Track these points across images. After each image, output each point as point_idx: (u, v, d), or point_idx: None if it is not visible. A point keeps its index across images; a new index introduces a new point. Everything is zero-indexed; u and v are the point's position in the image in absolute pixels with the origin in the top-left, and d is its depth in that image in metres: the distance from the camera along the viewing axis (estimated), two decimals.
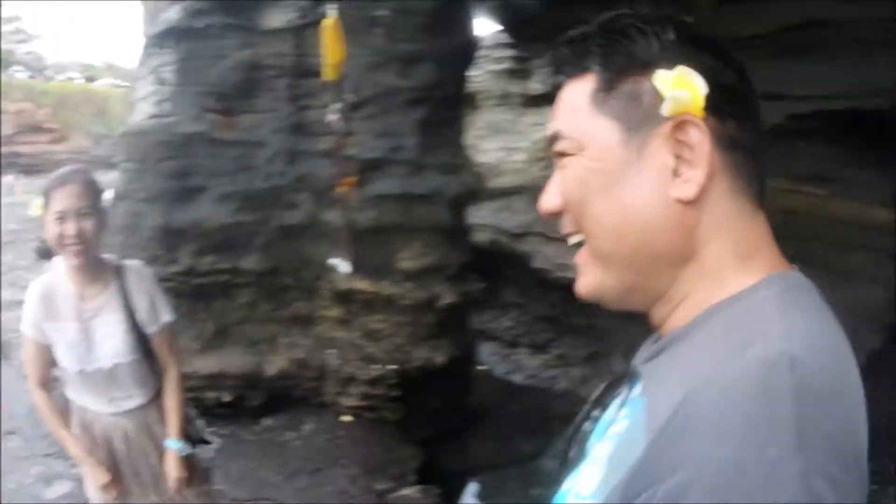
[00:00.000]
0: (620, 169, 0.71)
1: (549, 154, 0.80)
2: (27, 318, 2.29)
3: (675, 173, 0.69)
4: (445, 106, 5.65)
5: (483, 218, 6.95)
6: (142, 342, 2.36)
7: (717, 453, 0.55)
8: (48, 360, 2.34)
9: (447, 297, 5.26)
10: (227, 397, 5.26)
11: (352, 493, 4.77)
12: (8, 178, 37.83)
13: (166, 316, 2.41)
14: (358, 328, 5.42)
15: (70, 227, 2.16)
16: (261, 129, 5.44)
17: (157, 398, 2.49)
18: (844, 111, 4.78)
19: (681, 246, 0.70)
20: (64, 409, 2.45)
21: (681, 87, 0.68)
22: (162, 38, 5.67)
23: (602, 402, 0.81)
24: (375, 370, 5.11)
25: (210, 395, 5.26)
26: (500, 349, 7.65)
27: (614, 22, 0.74)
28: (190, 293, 5.47)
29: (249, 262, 5.41)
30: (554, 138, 0.77)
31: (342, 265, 5.38)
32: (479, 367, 6.82)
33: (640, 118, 0.70)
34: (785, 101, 4.90)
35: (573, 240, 0.77)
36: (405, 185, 5.38)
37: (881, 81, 4.30)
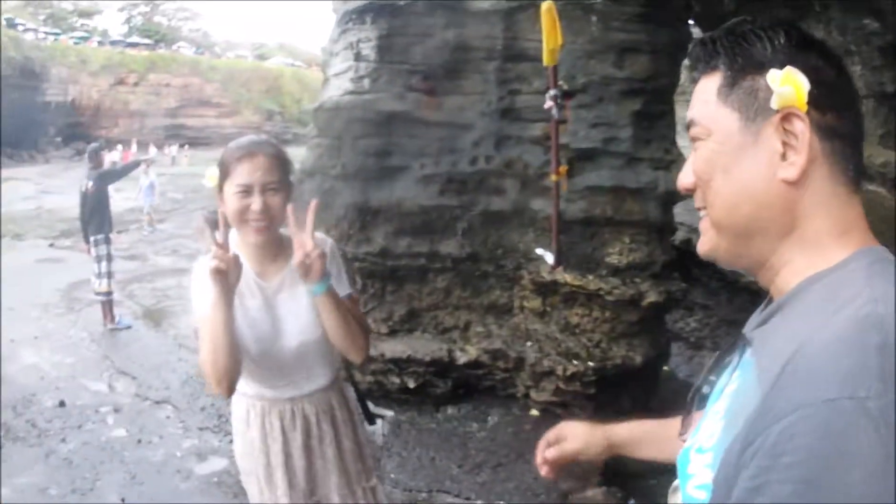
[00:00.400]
0: (739, 152, 0.84)
1: None
2: (201, 297, 2.01)
3: (783, 157, 0.81)
4: (659, 99, 5.30)
5: (678, 216, 6.60)
6: None
7: (817, 396, 0.66)
8: None
9: (651, 295, 4.91)
10: (411, 383, 5.14)
11: (535, 490, 4.51)
12: (172, 149, 39.96)
13: (350, 288, 2.18)
14: (556, 322, 5.17)
15: (256, 203, 1.95)
16: (467, 111, 5.26)
17: (338, 381, 2.29)
18: None
19: (783, 220, 0.83)
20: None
21: (788, 84, 0.80)
22: (360, 14, 5.57)
23: (717, 369, 0.94)
24: (574, 366, 4.86)
25: (394, 379, 5.20)
26: (684, 350, 7.23)
27: (738, 27, 0.87)
28: (381, 274, 5.40)
29: (448, 247, 5.25)
30: (690, 125, 0.91)
31: (547, 256, 5.16)
32: (664, 369, 6.49)
33: (756, 110, 0.83)
34: None
35: (702, 213, 0.91)
36: (618, 178, 5.05)
37: None
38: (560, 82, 4.92)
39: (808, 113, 0.80)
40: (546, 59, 4.57)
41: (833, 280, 0.78)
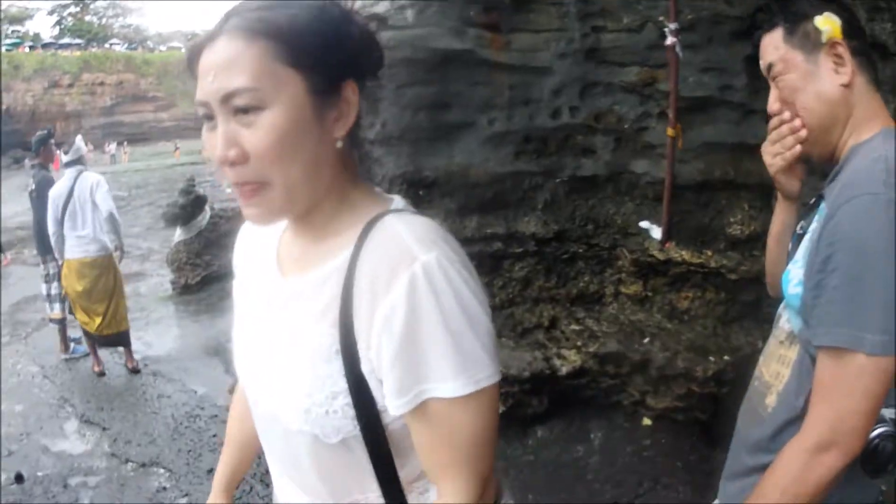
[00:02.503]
0: (807, 76, 1.31)
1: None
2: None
3: (836, 72, 1.29)
4: None
5: None
6: None
7: (858, 192, 1.16)
8: None
9: None
10: (501, 408, 3.90)
11: None
12: (111, 147, 38.72)
13: None
14: (660, 308, 4.04)
15: (218, 141, 1.01)
16: (542, 52, 4.05)
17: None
18: None
19: (844, 113, 1.30)
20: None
21: (828, 24, 1.28)
22: None
23: (806, 217, 1.39)
24: (713, 364, 3.87)
25: None
26: None
27: None
28: None
29: (529, 226, 4.04)
30: (769, 68, 1.39)
31: (653, 230, 4.13)
32: None
33: (812, 46, 1.31)
34: None
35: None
36: (736, 133, 3.88)
37: None
38: (661, 17, 3.95)
39: (844, 41, 1.28)
40: None
41: (869, 146, 1.27)
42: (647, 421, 4.05)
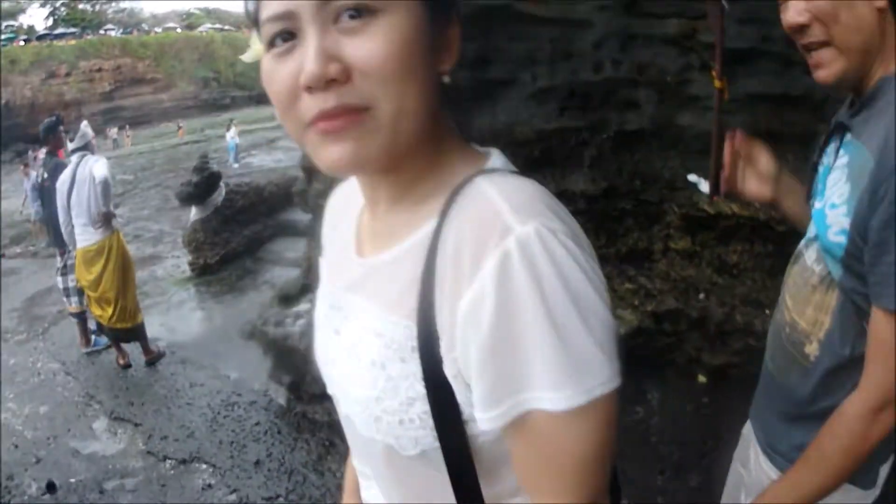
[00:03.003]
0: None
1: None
2: None
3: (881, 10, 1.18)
4: None
5: None
6: None
7: None
8: None
9: None
10: None
11: None
12: (113, 132, 38.25)
13: None
14: (710, 263, 4.01)
15: (309, 61, 0.85)
16: (581, 4, 4.00)
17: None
18: None
19: (878, 41, 1.19)
20: None
21: None
22: None
23: (821, 154, 1.34)
24: (757, 315, 3.81)
25: None
26: None
27: None
28: None
29: (578, 183, 3.94)
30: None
31: (701, 184, 4.05)
32: None
33: None
34: None
35: (814, 50, 1.27)
36: (780, 84, 3.78)
37: None
38: None
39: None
40: None
41: None
42: (702, 378, 3.98)
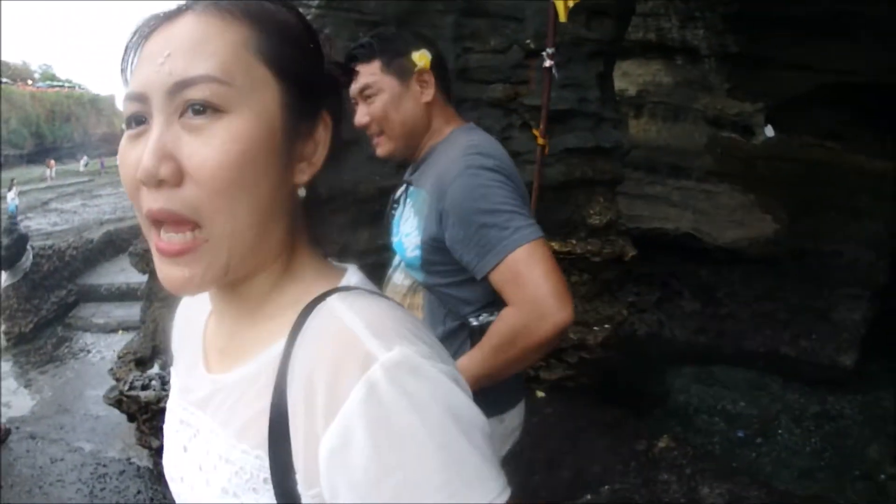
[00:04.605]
0: (400, 96, 1.63)
1: None
2: None
3: (422, 93, 1.65)
4: (612, 61, 5.08)
5: None
6: None
7: (457, 168, 1.50)
8: None
9: (629, 250, 4.65)
10: None
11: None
12: None
13: None
14: None
15: (146, 151, 0.71)
16: None
17: None
18: (865, 84, 6.34)
19: (426, 121, 1.70)
20: None
21: (422, 59, 1.63)
22: None
23: (394, 203, 1.75)
24: (605, 331, 4.33)
25: None
26: None
27: None
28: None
29: None
30: (362, 89, 1.66)
31: None
32: None
33: (405, 74, 1.64)
34: (814, 72, 6.64)
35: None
36: (592, 139, 4.60)
37: None
38: (527, 40, 4.40)
39: (431, 70, 1.65)
40: (562, 16, 4.04)
41: (447, 143, 1.63)
42: (540, 393, 4.49)
